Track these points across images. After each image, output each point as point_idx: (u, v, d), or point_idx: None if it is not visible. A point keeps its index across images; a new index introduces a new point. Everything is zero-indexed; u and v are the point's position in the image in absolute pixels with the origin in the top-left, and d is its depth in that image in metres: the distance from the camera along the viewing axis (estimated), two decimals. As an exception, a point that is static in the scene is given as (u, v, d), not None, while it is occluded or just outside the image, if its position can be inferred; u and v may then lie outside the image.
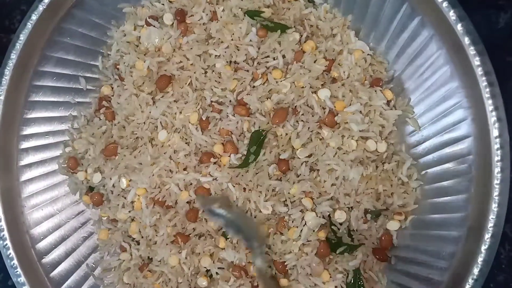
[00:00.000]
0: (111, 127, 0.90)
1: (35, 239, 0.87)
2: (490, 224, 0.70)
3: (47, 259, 0.87)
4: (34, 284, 0.83)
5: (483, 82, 0.71)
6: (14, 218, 0.86)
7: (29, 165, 0.89)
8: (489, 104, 0.71)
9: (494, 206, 0.70)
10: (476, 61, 0.72)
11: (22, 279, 0.82)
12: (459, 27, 0.73)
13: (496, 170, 0.70)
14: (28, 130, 0.89)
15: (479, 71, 0.72)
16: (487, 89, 0.71)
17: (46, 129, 0.91)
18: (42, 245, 0.88)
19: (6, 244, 0.83)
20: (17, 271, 0.82)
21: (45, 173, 0.90)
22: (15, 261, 0.82)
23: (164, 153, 0.85)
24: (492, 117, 0.71)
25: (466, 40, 0.72)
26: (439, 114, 0.80)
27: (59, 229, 0.90)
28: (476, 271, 0.70)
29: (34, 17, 0.84)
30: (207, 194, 0.83)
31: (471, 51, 0.72)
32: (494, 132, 0.71)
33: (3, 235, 0.83)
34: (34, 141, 0.90)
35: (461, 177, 0.77)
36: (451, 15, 0.74)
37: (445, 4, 0.74)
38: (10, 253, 0.83)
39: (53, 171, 0.91)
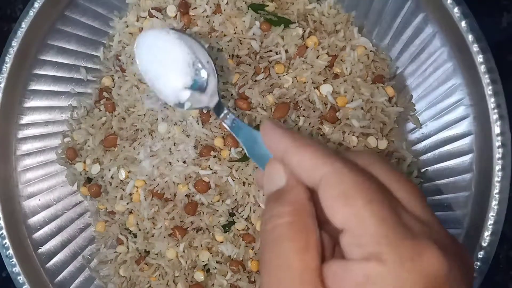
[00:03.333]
0: (111, 118, 0.89)
1: (31, 229, 0.87)
2: (490, 222, 0.69)
3: (43, 249, 0.87)
4: (30, 275, 0.82)
5: (485, 80, 0.71)
6: (11, 208, 0.86)
7: (27, 154, 0.89)
8: (491, 102, 0.70)
9: (494, 204, 0.69)
10: (479, 58, 0.71)
11: (17, 269, 0.81)
12: (463, 24, 0.73)
13: (497, 167, 0.70)
14: (26, 119, 0.88)
15: (482, 69, 0.71)
16: (490, 87, 0.71)
17: (45, 118, 0.90)
18: (38, 235, 0.87)
19: (2, 233, 0.82)
20: (12, 261, 0.81)
21: (43, 163, 0.90)
22: (11, 251, 0.82)
23: (164, 146, 0.84)
24: (494, 115, 0.70)
25: (470, 37, 0.72)
26: (440, 111, 0.80)
27: (56, 219, 0.89)
28: (475, 267, 0.70)
29: (37, 5, 0.83)
30: (206, 188, 0.82)
31: (475, 48, 0.72)
32: (496, 129, 0.70)
33: (-1, 224, 0.82)
34: (33, 130, 0.89)
35: (462, 175, 0.76)
36: (455, 12, 0.73)
37: (449, 1, 0.74)
38: (5, 243, 0.82)
39: (51, 161, 0.90)
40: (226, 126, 0.74)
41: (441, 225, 0.47)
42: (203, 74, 0.75)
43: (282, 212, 0.47)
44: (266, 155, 0.59)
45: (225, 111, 0.74)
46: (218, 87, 0.76)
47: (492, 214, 0.69)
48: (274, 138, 0.54)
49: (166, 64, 0.77)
